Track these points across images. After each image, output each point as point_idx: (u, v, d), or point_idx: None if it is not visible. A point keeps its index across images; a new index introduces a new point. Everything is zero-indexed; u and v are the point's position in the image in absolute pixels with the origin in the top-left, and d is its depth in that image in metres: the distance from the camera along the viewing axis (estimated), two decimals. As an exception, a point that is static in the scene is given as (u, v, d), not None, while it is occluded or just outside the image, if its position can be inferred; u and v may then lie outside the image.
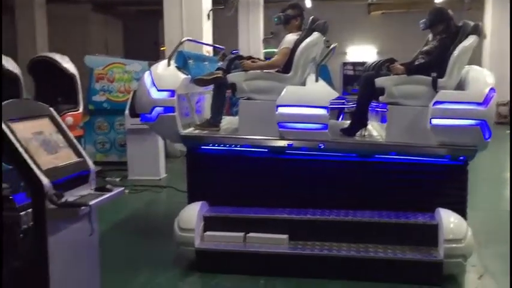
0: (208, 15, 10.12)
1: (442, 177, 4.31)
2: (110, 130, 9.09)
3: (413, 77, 4.29)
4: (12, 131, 2.49)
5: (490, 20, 16.72)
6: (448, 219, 3.98)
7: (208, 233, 4.33)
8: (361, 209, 4.36)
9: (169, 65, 4.64)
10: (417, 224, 4.12)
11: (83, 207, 2.55)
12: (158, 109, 4.43)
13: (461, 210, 4.18)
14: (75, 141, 2.97)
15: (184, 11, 9.77)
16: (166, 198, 6.95)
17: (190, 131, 4.67)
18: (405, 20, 18.04)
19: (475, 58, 4.59)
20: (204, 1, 9.91)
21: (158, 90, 4.43)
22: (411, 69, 4.35)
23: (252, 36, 17.48)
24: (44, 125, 2.81)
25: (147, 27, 20.21)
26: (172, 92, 4.42)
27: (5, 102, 2.61)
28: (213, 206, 4.52)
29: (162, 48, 14.34)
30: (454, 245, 3.84)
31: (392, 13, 21.20)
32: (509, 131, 13.84)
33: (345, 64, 21.50)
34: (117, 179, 7.68)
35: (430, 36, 4.62)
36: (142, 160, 7.78)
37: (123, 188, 3.05)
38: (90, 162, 2.97)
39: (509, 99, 16.05)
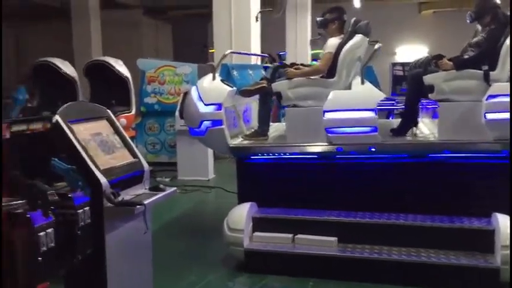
0: (257, 18, 10.18)
1: (498, 178, 4.12)
2: (160, 131, 9.29)
3: (464, 71, 4.16)
4: (72, 132, 2.61)
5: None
6: (506, 225, 3.82)
7: (257, 233, 4.36)
8: (412, 212, 4.27)
9: (214, 78, 4.70)
10: (472, 229, 4.00)
11: (138, 206, 2.63)
12: (206, 123, 4.51)
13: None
14: (130, 142, 3.07)
15: (233, 13, 9.86)
16: (215, 198, 7.05)
17: (239, 142, 4.73)
18: (457, 19, 17.36)
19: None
20: (253, 3, 9.97)
21: (205, 105, 4.51)
22: (460, 63, 4.21)
23: (299, 38, 17.42)
24: (101, 126, 2.92)
25: (195, 30, 20.52)
26: (219, 106, 4.48)
27: (66, 104, 2.74)
28: (262, 207, 4.55)
29: (210, 51, 14.54)
30: (512, 252, 3.70)
31: (444, 12, 20.57)
32: None
33: (394, 64, 21.08)
34: (167, 179, 7.87)
35: (479, 27, 4.45)
36: (192, 161, 7.92)
37: (175, 188, 3.12)
38: (144, 163, 3.05)
39: None
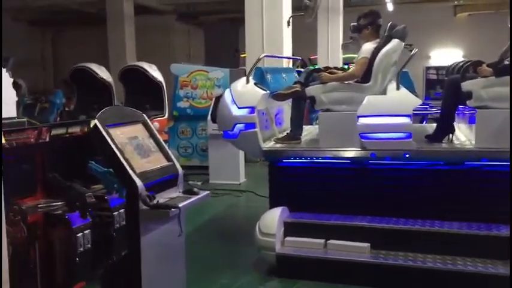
0: (288, 22, 10.17)
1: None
2: (192, 135, 9.39)
3: (503, 78, 4.04)
4: (110, 136, 2.67)
5: None
6: (545, 233, 3.71)
7: (288, 238, 4.35)
8: (447, 219, 4.18)
9: (248, 82, 4.73)
10: (509, 237, 3.88)
11: (173, 209, 2.67)
12: (240, 126, 4.54)
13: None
14: (165, 146, 3.13)
15: (264, 18, 9.87)
16: (246, 202, 7.07)
17: (271, 145, 4.74)
18: (494, 22, 17.03)
19: None
20: (285, 8, 9.98)
21: (239, 108, 4.54)
22: (500, 70, 4.10)
23: (331, 42, 17.33)
24: (137, 130, 2.98)
25: (227, 35, 20.68)
26: (253, 109, 4.51)
27: (104, 109, 2.81)
28: (293, 212, 4.54)
29: (242, 55, 14.63)
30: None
31: (479, 14, 20.10)
32: None
33: (427, 68, 20.77)
34: (199, 183, 7.94)
35: None
36: (223, 165, 7.98)
37: (208, 192, 3.15)
38: (178, 166, 3.10)
39: None
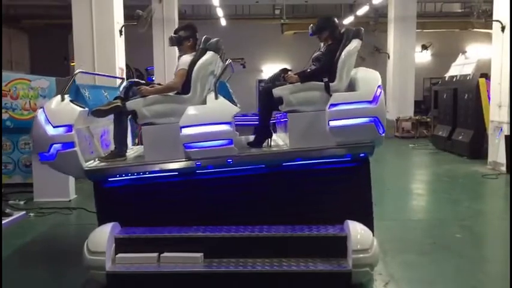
0: (121, 31, 9.94)
1: (348, 183, 4.44)
2: (13, 150, 8.56)
3: (307, 83, 4.48)
4: None
5: (392, 41, 17.92)
6: (356, 230, 4.15)
7: (120, 255, 4.19)
8: (274, 223, 4.43)
9: (63, 99, 4.45)
10: (328, 236, 4.26)
11: (-24, 235, 2.37)
12: (56, 146, 4.24)
13: (368, 220, 4.37)
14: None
15: (95, 25, 9.53)
16: (76, 220, 6.62)
17: (95, 164, 4.52)
18: (315, 40, 18.84)
19: (381, 76, 4.84)
20: (116, 16, 9.74)
21: (54, 127, 4.26)
22: (304, 76, 4.54)
23: (167, 53, 17.36)
24: None
25: (55, 41, 19.39)
26: (70, 127, 4.26)
27: None
28: (125, 227, 4.39)
29: (72, 64, 13.83)
30: (361, 255, 4.00)
31: (303, 33, 22.02)
32: (412, 145, 14.82)
33: (260, 81, 22.12)
34: (22, 202, 7.19)
35: (322, 44, 4.87)
36: (50, 181, 7.34)
37: (24, 212, 2.89)
38: (-13, 186, 2.77)
39: (412, 115, 17.24)
